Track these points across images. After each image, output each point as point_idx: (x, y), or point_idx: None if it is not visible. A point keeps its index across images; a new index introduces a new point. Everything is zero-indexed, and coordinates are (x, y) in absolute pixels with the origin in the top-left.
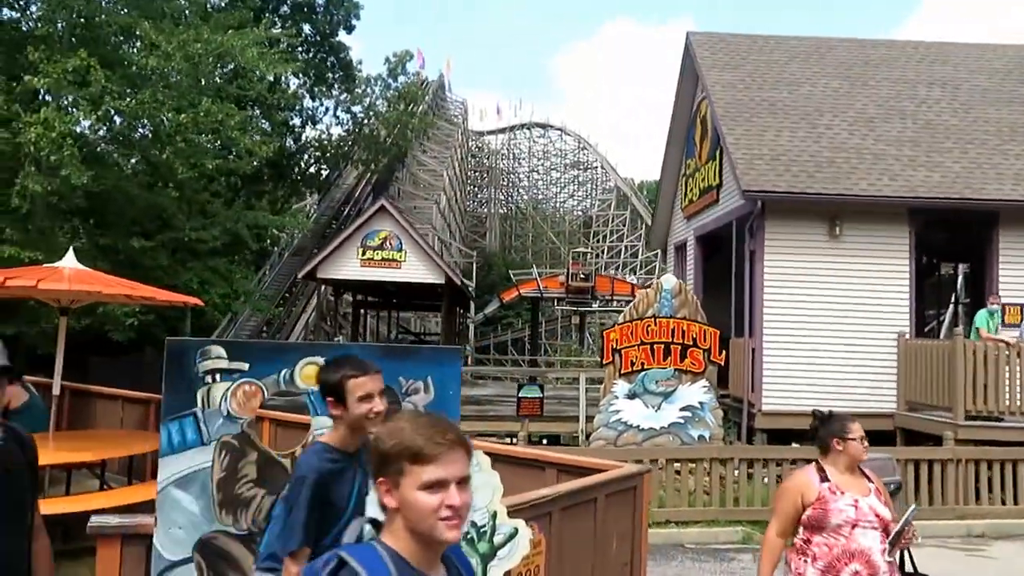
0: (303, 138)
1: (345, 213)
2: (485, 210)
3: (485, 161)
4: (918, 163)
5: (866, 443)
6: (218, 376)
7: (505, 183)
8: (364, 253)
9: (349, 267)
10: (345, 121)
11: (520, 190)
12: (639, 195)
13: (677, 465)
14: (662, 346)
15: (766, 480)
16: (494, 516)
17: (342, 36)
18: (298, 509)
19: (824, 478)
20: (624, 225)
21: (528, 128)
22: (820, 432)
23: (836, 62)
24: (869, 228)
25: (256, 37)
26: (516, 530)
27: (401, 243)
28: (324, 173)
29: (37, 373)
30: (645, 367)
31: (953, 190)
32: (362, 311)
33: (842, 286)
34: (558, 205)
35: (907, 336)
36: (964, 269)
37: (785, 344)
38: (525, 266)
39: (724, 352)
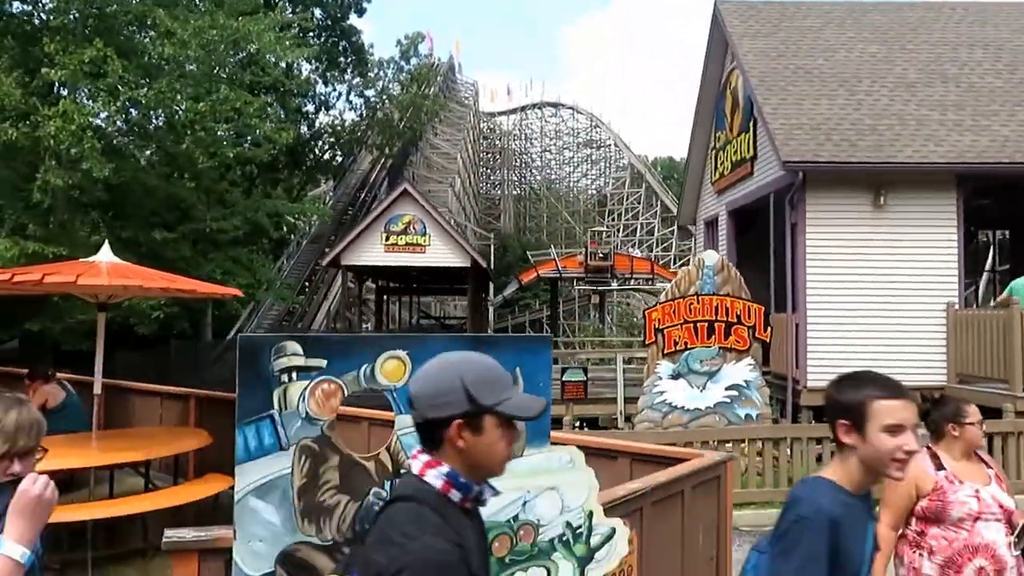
0: (317, 124)
1: (361, 199)
2: (499, 192)
3: (497, 143)
4: (964, 127)
5: (984, 427)
6: (294, 374)
7: (518, 164)
8: (388, 238)
9: (373, 253)
10: (358, 106)
11: (533, 170)
12: (653, 172)
13: (728, 445)
14: (706, 324)
15: (819, 457)
16: (590, 516)
17: (353, 19)
18: (796, 562)
19: (939, 466)
20: (639, 203)
21: (540, 108)
22: (932, 415)
23: (872, 26)
24: (915, 197)
25: (271, 22)
26: (613, 530)
27: (425, 227)
28: (339, 159)
29: (63, 370)
30: (688, 346)
31: (1003, 154)
32: (384, 297)
33: (888, 257)
34: (571, 185)
35: (956, 307)
36: (999, 236)
37: (829, 318)
38: (540, 247)
39: (769, 328)
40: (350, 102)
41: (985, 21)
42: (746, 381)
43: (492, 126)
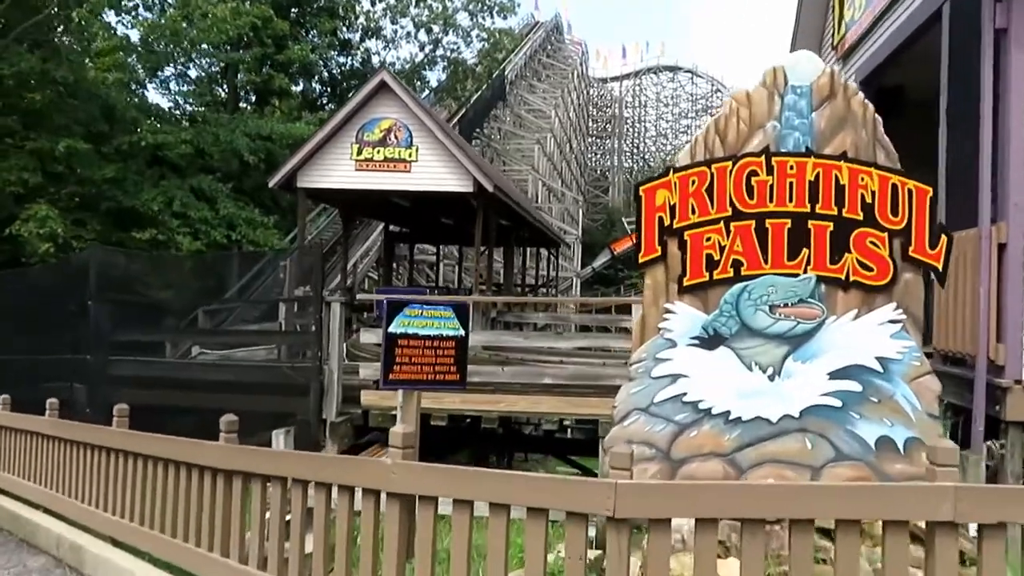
0: (373, 58)
1: None
2: (608, 163)
3: (608, 110)
4: None
5: None
6: None
7: (631, 133)
8: (360, 151)
9: (339, 171)
10: (426, 44)
11: (647, 140)
12: None
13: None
14: (787, 222)
15: None
16: None
17: None
18: None
19: None
20: None
21: (656, 72)
22: None
23: None
24: None
25: None
26: None
27: (411, 136)
28: None
29: None
30: (743, 272)
31: None
32: (404, 247)
33: None
34: None
35: None
36: None
37: None
38: None
39: (942, 241)
40: (417, 41)
41: None
42: (882, 359)
43: (603, 93)
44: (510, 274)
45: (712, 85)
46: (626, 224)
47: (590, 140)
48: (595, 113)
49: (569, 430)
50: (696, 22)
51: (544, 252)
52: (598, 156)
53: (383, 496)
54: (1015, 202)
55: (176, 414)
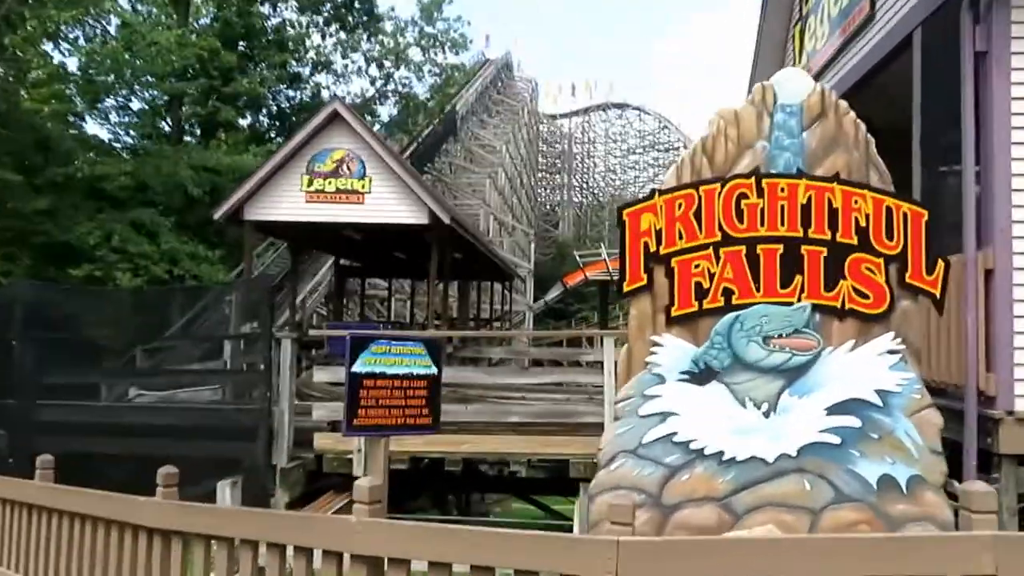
0: (323, 92)
1: None
2: (558, 198)
3: (557, 146)
4: None
5: None
6: None
7: (580, 168)
8: (310, 183)
9: (289, 203)
10: (376, 78)
11: (596, 176)
12: None
13: None
14: (779, 247)
15: None
16: None
17: None
18: None
19: None
20: None
21: (604, 109)
22: None
23: None
24: None
25: None
26: None
27: (364, 167)
28: None
29: None
30: (734, 301)
31: None
32: (355, 282)
33: None
34: (638, 190)
35: None
36: None
37: None
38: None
39: (939, 267)
40: (368, 75)
41: None
42: (882, 392)
43: (554, 129)
44: (465, 308)
45: (659, 122)
46: (577, 257)
47: (540, 175)
48: (545, 148)
49: (526, 468)
50: (656, 63)
51: (497, 286)
52: (548, 191)
53: (347, 558)
54: (1000, 228)
55: (111, 463)
